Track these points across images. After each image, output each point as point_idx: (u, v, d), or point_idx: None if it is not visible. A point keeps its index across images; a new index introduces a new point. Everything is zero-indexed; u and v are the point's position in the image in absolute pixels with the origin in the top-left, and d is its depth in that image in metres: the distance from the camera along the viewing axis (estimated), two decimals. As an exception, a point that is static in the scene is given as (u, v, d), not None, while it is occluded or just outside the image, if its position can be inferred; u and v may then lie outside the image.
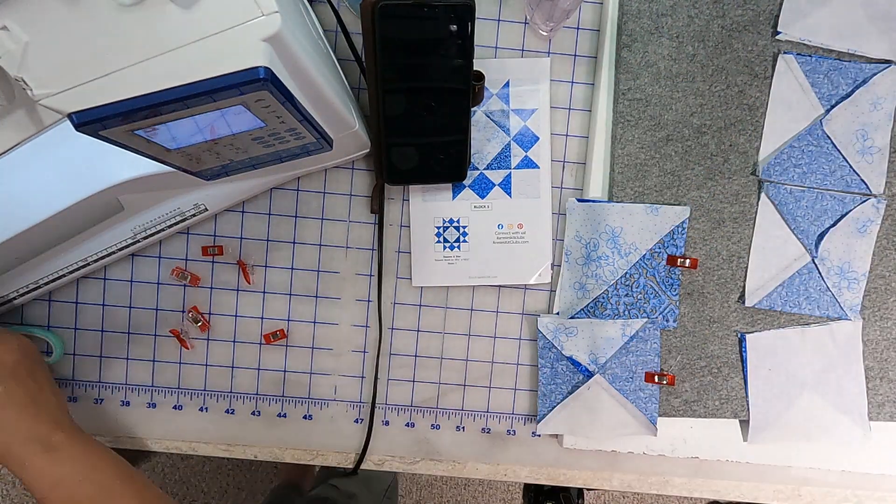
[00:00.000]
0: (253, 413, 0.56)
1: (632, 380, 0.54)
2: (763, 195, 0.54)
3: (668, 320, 0.54)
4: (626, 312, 0.53)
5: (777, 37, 0.53)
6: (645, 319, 0.53)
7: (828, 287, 0.55)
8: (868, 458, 0.58)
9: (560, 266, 0.55)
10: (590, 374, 0.54)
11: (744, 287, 0.55)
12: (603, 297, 0.53)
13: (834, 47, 0.53)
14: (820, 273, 0.55)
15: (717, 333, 0.55)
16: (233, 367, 0.56)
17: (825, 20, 0.53)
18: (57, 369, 0.55)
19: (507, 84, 0.54)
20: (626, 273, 0.53)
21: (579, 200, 0.53)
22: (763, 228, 0.54)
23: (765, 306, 0.55)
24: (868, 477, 0.59)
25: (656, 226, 0.53)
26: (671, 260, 0.53)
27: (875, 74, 0.53)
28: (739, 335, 0.55)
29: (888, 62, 0.53)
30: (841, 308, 0.55)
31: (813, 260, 0.55)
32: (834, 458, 0.58)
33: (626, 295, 0.53)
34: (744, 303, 0.55)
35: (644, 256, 0.53)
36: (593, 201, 0.53)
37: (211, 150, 0.37)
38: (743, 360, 0.55)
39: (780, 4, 0.52)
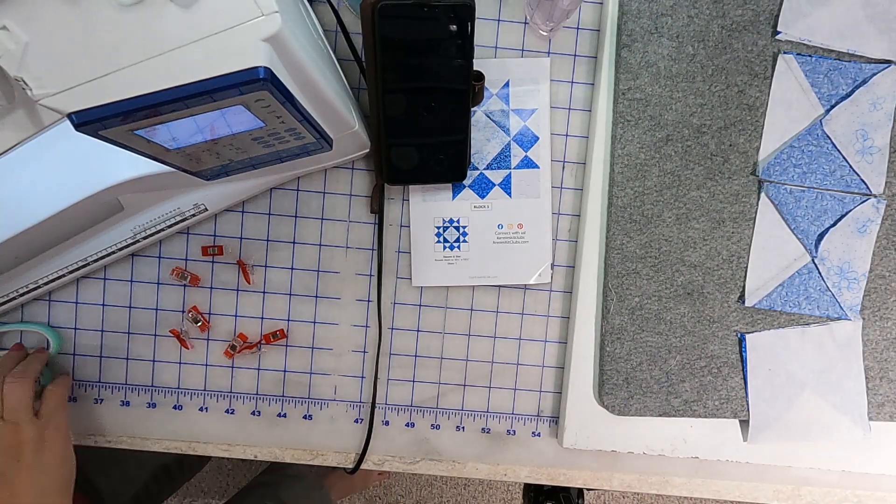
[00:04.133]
0: (253, 413, 0.56)
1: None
2: (763, 195, 0.54)
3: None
4: None
5: (777, 37, 0.53)
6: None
7: (828, 287, 0.55)
8: (868, 458, 0.58)
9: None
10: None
11: (744, 287, 0.55)
12: None
13: (834, 47, 0.53)
14: (820, 273, 0.55)
15: (717, 333, 0.55)
16: (233, 367, 0.56)
17: (825, 20, 0.53)
18: (57, 368, 0.55)
19: (507, 84, 0.54)
20: None
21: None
22: (763, 228, 0.54)
23: (765, 306, 0.55)
24: (868, 477, 0.59)
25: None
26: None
27: (875, 74, 0.53)
28: (739, 335, 0.55)
29: (888, 62, 0.53)
30: (841, 308, 0.55)
31: (813, 260, 0.55)
32: (834, 458, 0.58)
33: None
34: (744, 303, 0.55)
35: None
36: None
37: (211, 150, 0.37)
38: (743, 360, 0.55)
39: (780, 4, 0.52)
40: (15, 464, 0.46)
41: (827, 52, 0.53)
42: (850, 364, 0.56)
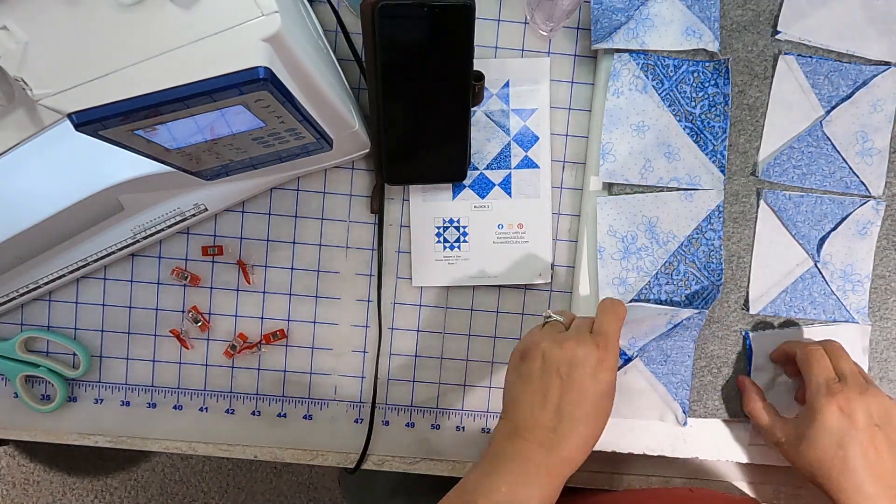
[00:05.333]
0: (253, 413, 0.56)
1: (665, 363, 0.54)
2: (762, 202, 0.54)
3: (707, 305, 0.53)
4: (668, 300, 0.54)
5: (777, 37, 0.53)
6: (694, 311, 0.52)
7: (832, 291, 0.55)
8: (868, 459, 0.58)
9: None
10: (628, 359, 0.53)
11: (747, 294, 0.55)
12: (646, 289, 0.53)
13: (834, 48, 0.53)
14: (823, 277, 0.55)
15: (717, 333, 0.55)
16: (233, 367, 0.56)
17: (825, 21, 0.53)
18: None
19: (507, 84, 0.54)
20: (666, 262, 0.53)
21: (610, 195, 0.53)
22: (764, 235, 0.54)
23: (769, 313, 0.55)
24: (868, 477, 0.59)
25: (691, 212, 0.53)
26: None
27: (875, 76, 0.53)
28: (744, 333, 0.55)
29: (888, 64, 0.53)
30: (847, 311, 0.55)
31: (815, 264, 0.55)
32: (834, 459, 0.58)
33: (667, 283, 0.53)
34: (748, 310, 0.54)
35: (682, 244, 0.53)
36: (624, 195, 0.53)
37: (211, 150, 0.37)
38: (748, 358, 0.55)
39: (780, 4, 0.52)
40: None
41: (827, 52, 0.53)
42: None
